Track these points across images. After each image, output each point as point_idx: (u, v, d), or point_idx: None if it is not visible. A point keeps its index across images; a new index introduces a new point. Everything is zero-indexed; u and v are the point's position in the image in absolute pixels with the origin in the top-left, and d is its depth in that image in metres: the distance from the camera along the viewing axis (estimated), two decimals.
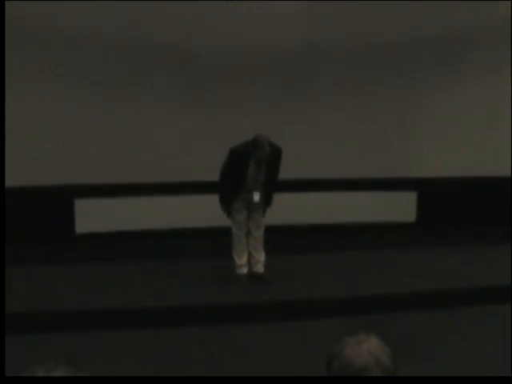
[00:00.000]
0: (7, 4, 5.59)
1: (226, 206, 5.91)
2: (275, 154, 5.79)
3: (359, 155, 7.72)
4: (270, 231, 6.11)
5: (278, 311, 5.55)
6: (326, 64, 7.49)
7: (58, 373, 1.61)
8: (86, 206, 7.32)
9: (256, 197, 5.76)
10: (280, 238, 6.31)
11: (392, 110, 7.81)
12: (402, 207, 7.95)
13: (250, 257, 6.07)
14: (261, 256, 6.05)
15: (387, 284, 6.03)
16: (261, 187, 5.84)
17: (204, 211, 6.96)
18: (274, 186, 5.90)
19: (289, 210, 6.35)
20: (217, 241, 6.62)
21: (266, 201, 5.98)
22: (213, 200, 6.22)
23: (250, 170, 5.78)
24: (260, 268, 6.07)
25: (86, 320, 5.42)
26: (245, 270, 6.07)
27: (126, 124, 7.33)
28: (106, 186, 7.30)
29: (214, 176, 6.13)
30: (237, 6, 7.10)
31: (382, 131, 7.79)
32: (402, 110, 7.84)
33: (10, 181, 6.75)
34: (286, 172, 6.03)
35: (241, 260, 6.05)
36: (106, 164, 7.30)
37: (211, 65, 7.26)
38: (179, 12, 7.01)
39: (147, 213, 7.40)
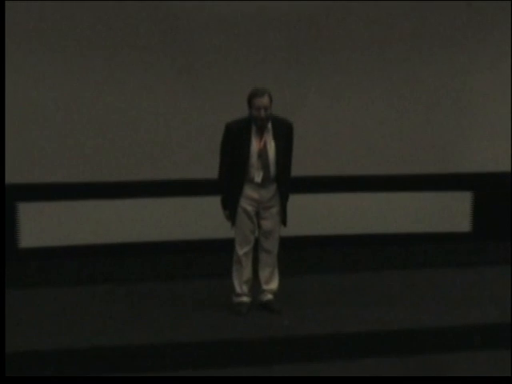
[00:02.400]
0: None
1: (229, 203, 5.02)
2: (284, 131, 4.98)
3: (396, 145, 6.90)
4: (282, 243, 5.29)
5: (289, 351, 4.77)
6: (353, 26, 6.64)
7: None
8: (33, 211, 6.32)
9: (258, 177, 4.91)
10: (294, 253, 5.89)
11: (438, 86, 6.87)
12: (453, 212, 7.07)
13: (256, 281, 5.19)
14: (271, 284, 5.18)
15: (434, 315, 5.16)
16: (269, 170, 4.95)
17: (187, 218, 6.35)
18: (289, 171, 5.06)
19: (305, 215, 5.76)
20: (204, 257, 6.29)
21: (283, 195, 5.06)
22: (198, 203, 5.98)
23: (251, 147, 4.91)
24: (267, 296, 5.19)
25: (31, 360, 4.50)
26: (245, 299, 5.18)
27: (89, 103, 6.26)
28: (60, 186, 6.36)
29: (207, 172, 5.43)
30: None
31: (424, 115, 6.91)
32: (451, 86, 6.89)
33: None
34: (300, 169, 5.30)
35: (241, 287, 5.15)
36: (61, 156, 6.31)
37: (205, 30, 6.43)
38: None
39: (115, 220, 6.49)
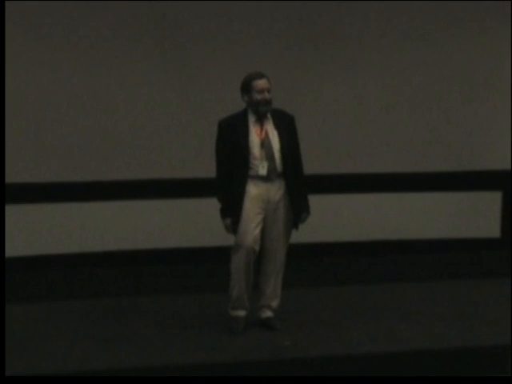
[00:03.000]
0: None
1: (230, 209, 4.68)
2: (286, 123, 4.73)
3: (414, 140, 6.62)
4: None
5: (291, 375, 4.42)
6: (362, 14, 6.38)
7: None
8: (19, 214, 6.03)
9: (263, 169, 4.61)
10: (298, 262, 5.50)
11: (459, 78, 6.60)
12: (480, 215, 6.75)
13: (256, 295, 4.87)
14: (274, 301, 4.84)
15: (457, 334, 4.71)
16: (275, 161, 4.65)
17: (178, 223, 6.09)
18: (300, 167, 4.78)
19: (311, 220, 5.03)
20: (197, 268, 6.08)
21: (294, 193, 4.71)
22: (190, 206, 5.77)
23: (251, 137, 4.63)
24: (267, 313, 4.88)
25: None
26: (242, 313, 4.83)
27: (69, 98, 6.01)
28: (47, 186, 6.09)
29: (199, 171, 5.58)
30: None
31: (448, 106, 6.63)
32: (474, 79, 6.60)
33: None
34: (309, 166, 4.98)
35: (239, 300, 4.79)
36: (48, 154, 6.04)
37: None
38: None
39: (91, 226, 6.20)
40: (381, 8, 6.35)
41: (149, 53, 6.14)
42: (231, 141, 4.60)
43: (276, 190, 4.60)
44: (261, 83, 4.52)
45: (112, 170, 6.10)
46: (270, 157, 4.58)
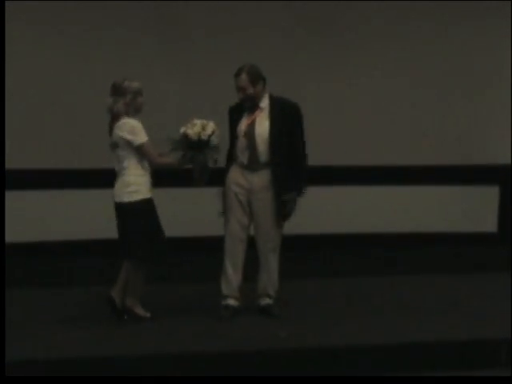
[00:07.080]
0: None
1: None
2: (287, 112, 4.65)
3: (412, 134, 6.58)
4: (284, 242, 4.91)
5: (285, 367, 4.32)
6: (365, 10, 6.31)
7: None
8: (19, 201, 5.93)
9: (244, 158, 4.66)
10: (298, 253, 5.55)
11: (464, 67, 6.54)
12: (477, 209, 6.69)
13: (256, 284, 4.85)
14: (270, 287, 4.81)
15: (452, 328, 4.61)
16: (256, 151, 4.62)
17: (179, 212, 5.80)
18: (299, 156, 4.69)
19: (312, 212, 5.33)
20: (193, 258, 5.87)
21: (279, 181, 4.63)
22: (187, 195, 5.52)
23: (240, 126, 4.66)
24: (266, 300, 4.85)
25: None
26: (232, 302, 4.82)
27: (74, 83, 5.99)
28: (46, 172, 6.01)
29: None
30: None
31: (447, 100, 6.57)
32: (474, 74, 6.53)
33: None
34: (309, 158, 4.92)
35: (228, 289, 4.78)
36: (46, 140, 5.99)
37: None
38: None
39: (103, 213, 5.69)
40: (383, 5, 6.30)
41: (151, 46, 6.11)
42: (231, 127, 4.66)
43: (259, 180, 4.59)
44: (235, 82, 4.53)
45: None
46: (251, 146, 4.58)
